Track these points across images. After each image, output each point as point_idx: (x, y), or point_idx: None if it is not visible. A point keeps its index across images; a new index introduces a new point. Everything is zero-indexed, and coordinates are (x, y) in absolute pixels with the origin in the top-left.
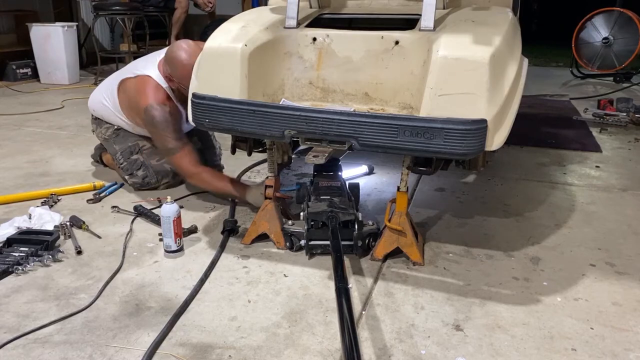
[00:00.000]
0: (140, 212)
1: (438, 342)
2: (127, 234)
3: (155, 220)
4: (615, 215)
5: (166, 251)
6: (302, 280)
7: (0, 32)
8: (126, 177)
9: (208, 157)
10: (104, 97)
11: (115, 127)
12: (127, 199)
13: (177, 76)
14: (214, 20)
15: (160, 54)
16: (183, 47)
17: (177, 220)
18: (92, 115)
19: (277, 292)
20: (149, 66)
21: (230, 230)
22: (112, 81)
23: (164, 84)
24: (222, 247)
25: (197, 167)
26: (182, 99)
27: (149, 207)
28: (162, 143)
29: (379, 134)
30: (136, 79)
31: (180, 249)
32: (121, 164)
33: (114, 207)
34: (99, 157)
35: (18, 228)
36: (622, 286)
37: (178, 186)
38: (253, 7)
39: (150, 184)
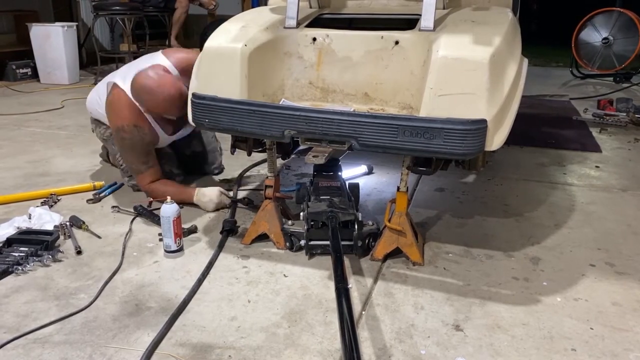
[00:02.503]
0: (140, 212)
1: (438, 342)
2: (127, 234)
3: (155, 220)
4: (615, 215)
5: (166, 251)
6: (302, 281)
7: (0, 32)
8: (126, 178)
9: (209, 158)
10: (99, 98)
11: None
12: (127, 199)
13: (147, 107)
14: (214, 21)
15: (152, 57)
16: (148, 75)
17: (177, 220)
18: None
19: (276, 292)
20: (133, 70)
21: (229, 230)
22: (105, 83)
23: None
24: (221, 247)
25: (153, 184)
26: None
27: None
28: (128, 163)
29: (378, 134)
30: (113, 94)
31: (180, 249)
32: (121, 165)
33: (114, 207)
34: (106, 156)
35: (18, 228)
36: (621, 286)
37: None
38: (253, 7)
39: None
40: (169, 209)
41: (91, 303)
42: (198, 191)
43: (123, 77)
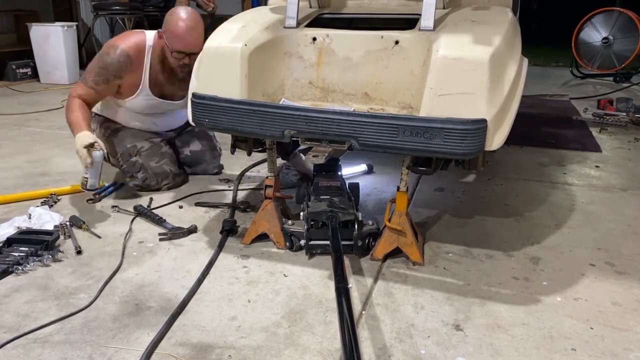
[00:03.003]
0: (140, 211)
1: (438, 342)
2: (127, 234)
3: (155, 219)
4: (614, 215)
5: (89, 189)
6: (302, 280)
7: (0, 32)
8: (127, 179)
9: (208, 157)
10: None
11: (112, 128)
12: (127, 199)
13: (168, 30)
14: (214, 21)
15: None
16: (184, 9)
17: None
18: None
19: (277, 292)
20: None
21: (229, 230)
22: None
23: (149, 43)
24: (221, 247)
25: (76, 99)
26: (161, 63)
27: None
28: (88, 70)
29: (378, 134)
30: (133, 30)
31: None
32: (121, 166)
33: (114, 206)
34: (106, 156)
35: (18, 228)
36: (621, 286)
37: (179, 187)
38: (253, 7)
39: (151, 186)
40: (100, 154)
41: (91, 303)
42: (76, 137)
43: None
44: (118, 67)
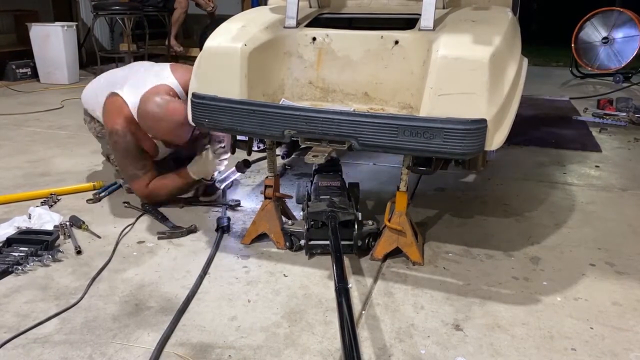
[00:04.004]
0: (146, 209)
1: (438, 342)
2: (123, 229)
3: (159, 218)
4: (615, 214)
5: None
6: (302, 280)
7: (0, 32)
8: (121, 180)
9: None
10: (97, 98)
11: None
12: (126, 198)
13: (152, 132)
14: (214, 20)
15: (159, 74)
16: (155, 102)
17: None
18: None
19: (276, 291)
20: (139, 84)
21: (224, 227)
22: (106, 85)
23: (132, 106)
24: (217, 245)
25: (147, 187)
26: None
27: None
28: (122, 168)
29: (378, 134)
30: (111, 99)
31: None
32: (116, 165)
33: (125, 202)
34: (107, 155)
35: (18, 228)
36: (622, 286)
37: None
38: (253, 7)
39: None
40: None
41: (80, 299)
42: (191, 169)
43: (122, 86)
44: (134, 145)
